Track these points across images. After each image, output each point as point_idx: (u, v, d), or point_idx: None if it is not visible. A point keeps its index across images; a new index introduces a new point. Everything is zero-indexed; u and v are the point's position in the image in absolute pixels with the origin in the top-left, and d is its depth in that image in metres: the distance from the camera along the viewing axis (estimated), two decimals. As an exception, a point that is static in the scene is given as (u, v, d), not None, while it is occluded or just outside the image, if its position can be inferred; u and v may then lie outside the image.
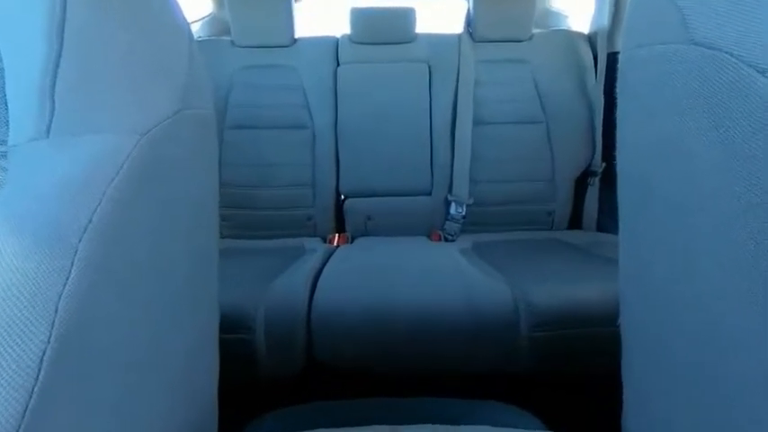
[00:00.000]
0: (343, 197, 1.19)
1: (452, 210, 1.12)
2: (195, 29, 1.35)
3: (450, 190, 1.13)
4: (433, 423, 0.36)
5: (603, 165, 1.14)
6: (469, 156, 1.11)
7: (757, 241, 0.17)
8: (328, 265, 0.87)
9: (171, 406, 0.30)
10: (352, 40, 1.19)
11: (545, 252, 0.97)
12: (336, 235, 1.16)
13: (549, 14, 1.42)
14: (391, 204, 1.17)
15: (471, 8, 1.17)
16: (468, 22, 1.20)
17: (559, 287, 0.74)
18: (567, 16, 1.39)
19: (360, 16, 1.17)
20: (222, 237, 1.09)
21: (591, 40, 1.19)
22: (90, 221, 0.20)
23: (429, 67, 1.17)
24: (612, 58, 1.11)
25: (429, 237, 1.13)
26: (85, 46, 0.23)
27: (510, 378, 0.73)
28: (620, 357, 0.29)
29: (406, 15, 1.17)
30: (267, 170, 1.14)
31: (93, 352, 0.21)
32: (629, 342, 0.29)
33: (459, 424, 0.36)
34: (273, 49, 1.17)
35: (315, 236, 1.15)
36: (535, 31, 1.21)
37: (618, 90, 0.28)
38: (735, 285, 0.18)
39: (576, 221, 1.21)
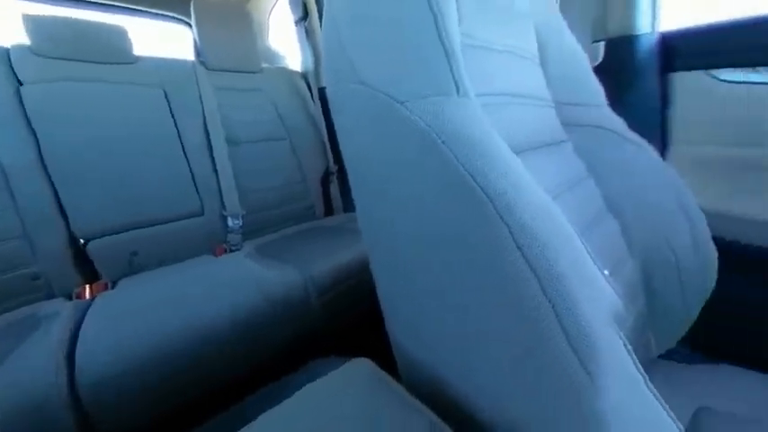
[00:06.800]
0: (82, 241, 0.94)
1: (230, 223, 1.14)
2: None
3: (223, 206, 1.14)
4: (269, 403, 0.37)
5: (336, 166, 1.41)
6: (231, 172, 1.14)
7: (420, 210, 0.24)
8: (85, 323, 0.70)
9: None
10: (33, 51, 0.95)
11: (314, 237, 1.10)
12: (87, 286, 0.90)
13: (271, 53, 1.62)
14: (162, 232, 1.04)
15: (197, 38, 1.21)
16: (198, 52, 1.23)
17: (329, 258, 0.89)
18: (284, 56, 1.62)
19: (42, 24, 0.94)
20: None
21: (304, 77, 1.43)
22: None
23: (165, 93, 1.13)
24: (323, 91, 1.31)
25: (214, 253, 1.09)
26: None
27: (314, 334, 0.82)
28: (378, 289, 0.40)
29: (118, 33, 1.08)
30: None
31: None
32: (380, 279, 0.39)
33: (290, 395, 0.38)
34: None
35: (53, 296, 0.89)
36: (264, 65, 1.36)
37: (331, 114, 0.35)
38: (423, 238, 0.27)
39: (329, 210, 1.43)
